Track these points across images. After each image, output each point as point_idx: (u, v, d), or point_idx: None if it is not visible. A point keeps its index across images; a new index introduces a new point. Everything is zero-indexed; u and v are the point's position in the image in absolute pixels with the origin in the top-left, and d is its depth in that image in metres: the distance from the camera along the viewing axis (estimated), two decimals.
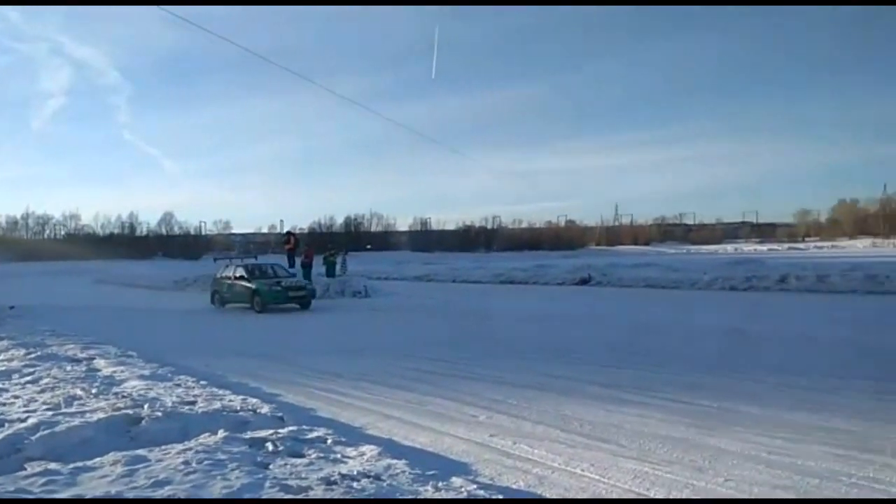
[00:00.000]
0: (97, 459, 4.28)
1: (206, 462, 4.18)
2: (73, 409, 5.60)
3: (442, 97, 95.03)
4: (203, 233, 69.27)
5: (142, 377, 7.38)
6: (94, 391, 6.47)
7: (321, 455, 4.44)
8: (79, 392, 6.40)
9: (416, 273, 32.25)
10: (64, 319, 14.76)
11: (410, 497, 3.71)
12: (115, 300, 21.58)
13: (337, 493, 3.72)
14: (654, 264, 25.98)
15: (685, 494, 3.90)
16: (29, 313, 16.37)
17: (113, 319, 15.70)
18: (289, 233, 26.89)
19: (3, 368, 8.08)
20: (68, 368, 8.05)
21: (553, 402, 6.22)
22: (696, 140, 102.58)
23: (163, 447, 4.57)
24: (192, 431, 5.00)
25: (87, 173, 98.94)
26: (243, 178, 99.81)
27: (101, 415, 5.31)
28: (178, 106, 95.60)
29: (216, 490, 3.73)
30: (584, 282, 23.42)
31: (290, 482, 3.87)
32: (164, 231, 68.35)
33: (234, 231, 69.81)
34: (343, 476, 3.96)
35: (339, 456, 4.45)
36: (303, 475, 4.00)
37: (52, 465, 4.17)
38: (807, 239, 67.45)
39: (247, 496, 3.67)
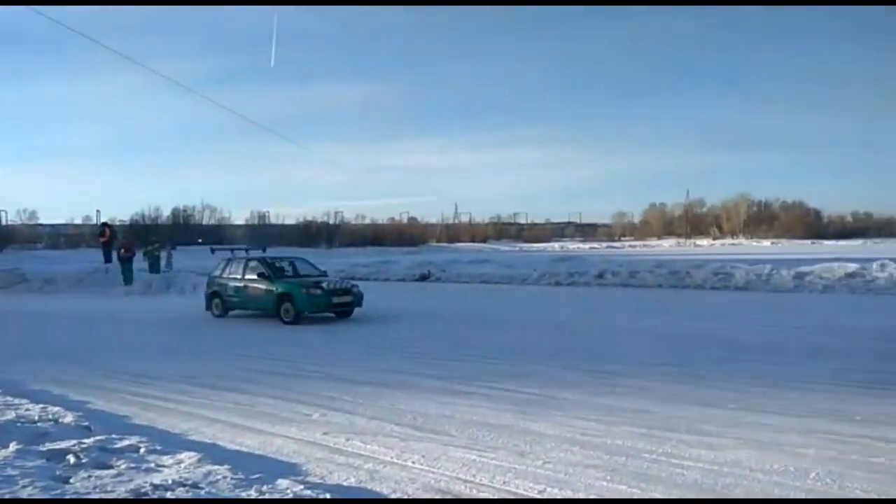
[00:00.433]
0: None
1: None
2: None
3: (281, 88, 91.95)
4: (3, 223, 61.01)
5: None
6: None
7: (132, 465, 4.07)
8: None
9: None
10: None
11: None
12: None
13: None
14: (490, 261, 27.03)
15: (508, 478, 4.08)
16: None
17: None
18: (104, 224, 24.72)
19: None
20: None
21: (389, 397, 6.24)
22: (530, 145, 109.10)
23: None
24: None
25: None
26: (52, 165, 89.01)
27: None
28: None
29: None
30: (424, 278, 23.86)
31: (93, 496, 3.50)
32: None
33: (41, 222, 62.31)
34: (155, 486, 3.66)
35: (152, 465, 4.11)
36: (109, 488, 3.64)
37: None
38: (622, 238, 74.11)
39: None
